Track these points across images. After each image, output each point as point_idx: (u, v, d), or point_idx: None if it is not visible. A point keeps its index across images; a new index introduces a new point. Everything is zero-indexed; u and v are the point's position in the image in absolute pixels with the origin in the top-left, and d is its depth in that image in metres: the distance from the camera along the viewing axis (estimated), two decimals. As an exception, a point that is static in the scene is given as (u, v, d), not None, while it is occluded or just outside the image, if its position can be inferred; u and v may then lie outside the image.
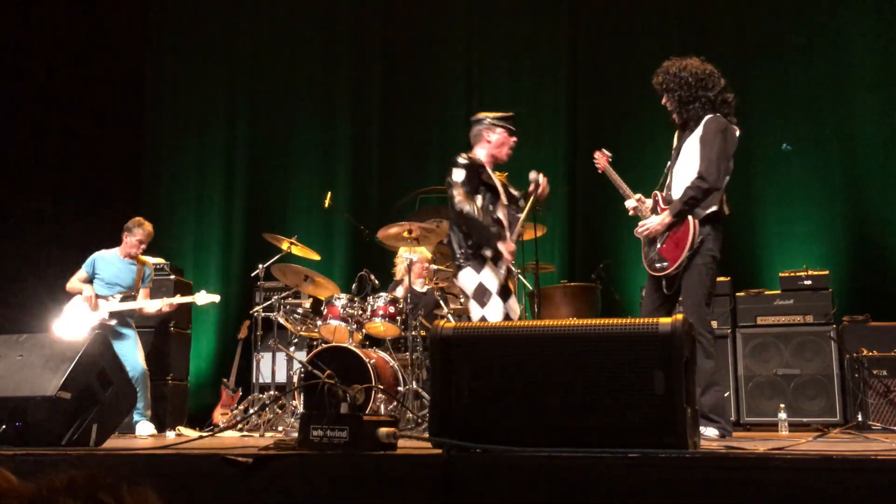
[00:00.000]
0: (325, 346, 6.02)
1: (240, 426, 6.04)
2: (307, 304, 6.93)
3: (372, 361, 5.74)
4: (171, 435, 6.27)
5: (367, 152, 9.08)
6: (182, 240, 9.08)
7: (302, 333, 6.64)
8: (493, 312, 4.60)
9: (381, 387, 5.66)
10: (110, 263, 6.39)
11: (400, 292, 6.45)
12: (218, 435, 5.77)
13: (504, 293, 4.77)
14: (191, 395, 7.72)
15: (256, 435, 5.65)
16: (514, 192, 5.03)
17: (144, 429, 6.05)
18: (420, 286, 6.79)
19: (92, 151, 8.85)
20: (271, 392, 6.56)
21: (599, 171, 4.96)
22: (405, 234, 6.10)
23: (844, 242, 7.58)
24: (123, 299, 6.31)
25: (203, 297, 6.50)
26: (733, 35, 8.11)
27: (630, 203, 4.72)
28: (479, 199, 4.74)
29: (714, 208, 4.41)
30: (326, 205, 6.90)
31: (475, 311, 4.62)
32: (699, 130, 4.48)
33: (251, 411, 6.28)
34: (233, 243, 9.07)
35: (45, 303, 6.89)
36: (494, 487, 2.37)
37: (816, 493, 2.14)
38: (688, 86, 4.50)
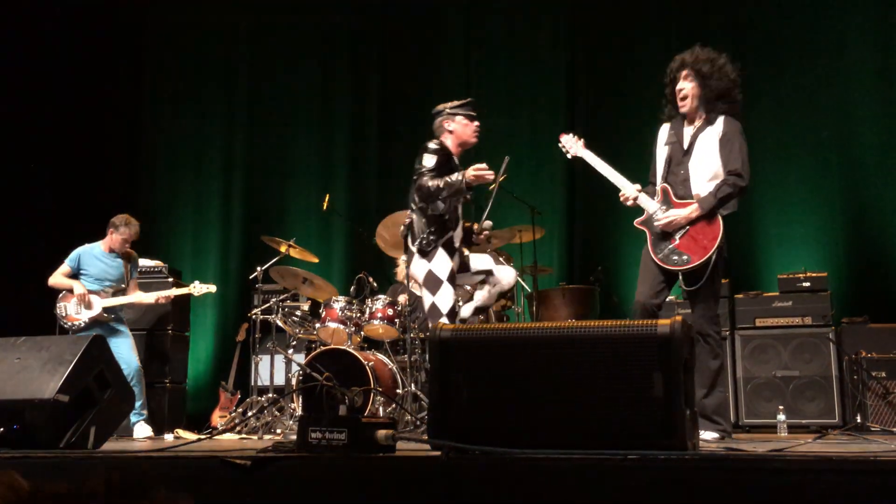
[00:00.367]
0: (323, 348, 6.01)
1: (238, 428, 6.04)
2: (305, 306, 6.93)
3: (370, 364, 5.73)
4: (169, 437, 6.26)
5: (366, 155, 9.08)
6: (180, 242, 9.09)
7: (300, 336, 6.64)
8: (444, 299, 4.61)
9: (380, 389, 5.65)
10: (97, 259, 6.32)
11: (402, 298, 6.44)
12: (216, 437, 5.77)
13: (455, 275, 4.77)
14: (189, 397, 7.71)
15: (255, 437, 5.65)
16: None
17: (142, 431, 6.04)
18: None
19: (90, 154, 8.85)
20: (270, 394, 6.55)
21: (570, 158, 4.77)
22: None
23: (843, 244, 7.59)
24: (114, 294, 6.29)
25: (199, 288, 6.50)
26: (731, 37, 8.10)
27: (630, 193, 4.52)
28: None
29: (733, 210, 4.43)
30: (325, 207, 6.90)
31: (427, 299, 4.65)
32: (719, 127, 4.43)
33: (250, 414, 6.28)
34: (231, 246, 9.07)
35: (42, 306, 6.88)
36: (493, 489, 2.36)
37: (816, 495, 2.14)
38: (729, 82, 4.46)
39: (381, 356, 6.04)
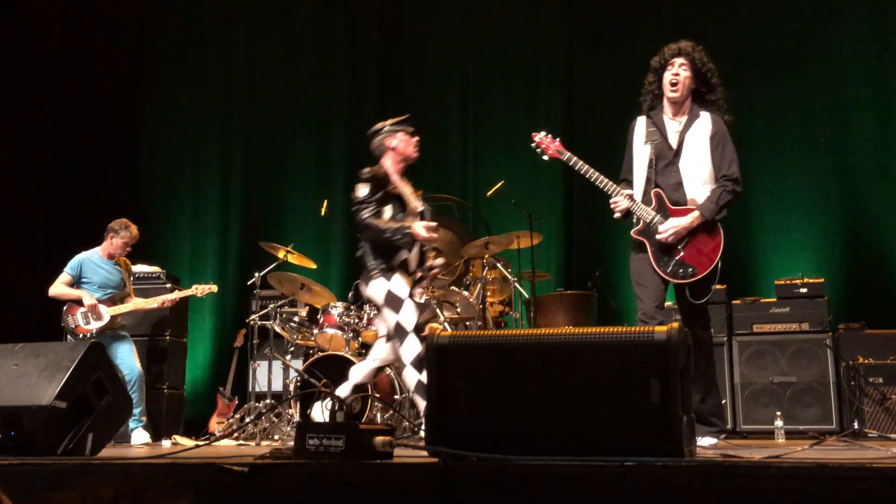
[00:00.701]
0: (321, 354, 6.01)
1: (236, 435, 6.03)
2: (303, 312, 6.93)
3: (368, 370, 5.73)
4: (166, 444, 6.25)
5: (364, 161, 9.06)
6: (178, 248, 9.08)
7: (298, 342, 6.64)
8: (407, 317, 4.60)
9: (378, 395, 5.65)
10: (97, 266, 6.28)
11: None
12: (214, 444, 5.76)
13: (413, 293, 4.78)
14: (187, 403, 7.69)
15: (252, 444, 5.64)
16: (420, 207, 4.92)
17: (140, 437, 6.03)
18: (419, 296, 6.79)
19: (89, 161, 8.85)
20: (267, 401, 6.54)
21: (546, 159, 4.61)
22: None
23: (840, 250, 7.60)
24: (116, 300, 6.27)
25: (201, 289, 6.49)
26: (728, 44, 8.12)
27: (622, 202, 4.32)
28: (387, 211, 4.73)
29: (724, 215, 4.33)
30: (323, 213, 6.90)
31: (390, 318, 4.62)
32: (707, 125, 4.31)
33: (247, 420, 6.27)
34: (229, 252, 9.07)
35: (39, 312, 6.87)
36: (490, 496, 2.36)
37: (813, 502, 2.15)
38: (717, 80, 4.39)
39: (378, 362, 6.03)
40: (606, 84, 8.41)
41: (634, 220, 4.37)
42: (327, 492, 2.47)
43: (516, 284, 6.75)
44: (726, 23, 8.20)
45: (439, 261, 5.03)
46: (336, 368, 5.67)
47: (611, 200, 4.36)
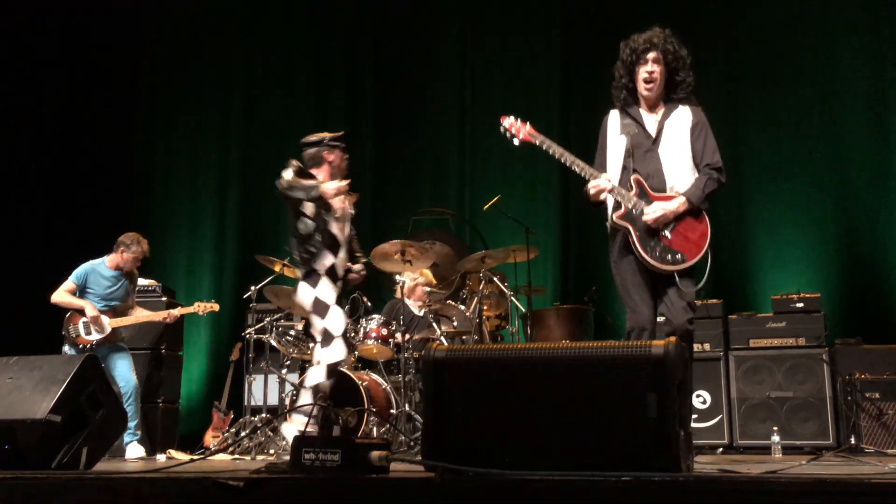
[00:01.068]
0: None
1: (231, 449, 6.01)
2: (299, 326, 6.91)
3: (364, 384, 5.72)
4: (161, 458, 6.22)
5: (360, 174, 9.08)
6: (174, 261, 9.07)
7: (294, 355, 6.62)
8: (334, 322, 4.61)
9: (374, 409, 5.64)
10: (103, 277, 6.25)
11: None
12: (209, 458, 5.74)
13: (341, 300, 4.80)
14: (182, 417, 7.67)
15: (248, 458, 5.62)
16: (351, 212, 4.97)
17: (134, 451, 6.00)
18: (417, 309, 6.80)
19: (85, 173, 8.86)
20: (263, 415, 6.52)
21: (517, 143, 4.24)
22: (396, 255, 6.14)
23: (836, 265, 7.61)
24: (119, 313, 6.25)
25: (204, 307, 6.48)
26: (724, 57, 8.17)
27: (602, 184, 4.06)
28: (309, 207, 4.72)
29: (707, 206, 4.10)
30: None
31: (318, 323, 4.64)
32: (687, 116, 4.16)
33: (243, 434, 6.25)
34: (225, 265, 9.06)
35: (35, 323, 6.85)
36: (487, 511, 2.35)
37: (810, 517, 2.14)
38: (689, 68, 4.24)
39: (375, 376, 6.03)
40: (603, 97, 8.42)
41: (611, 208, 4.13)
42: (323, 507, 2.46)
43: (513, 298, 6.74)
44: (721, 36, 8.23)
45: (358, 266, 5.03)
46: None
47: (589, 185, 4.11)
